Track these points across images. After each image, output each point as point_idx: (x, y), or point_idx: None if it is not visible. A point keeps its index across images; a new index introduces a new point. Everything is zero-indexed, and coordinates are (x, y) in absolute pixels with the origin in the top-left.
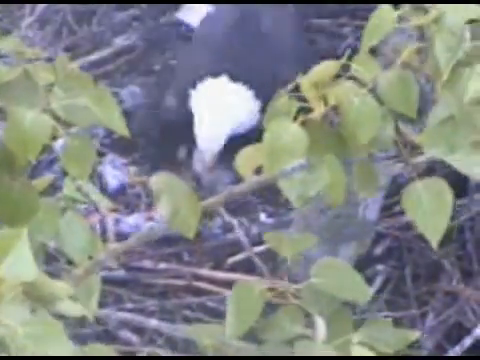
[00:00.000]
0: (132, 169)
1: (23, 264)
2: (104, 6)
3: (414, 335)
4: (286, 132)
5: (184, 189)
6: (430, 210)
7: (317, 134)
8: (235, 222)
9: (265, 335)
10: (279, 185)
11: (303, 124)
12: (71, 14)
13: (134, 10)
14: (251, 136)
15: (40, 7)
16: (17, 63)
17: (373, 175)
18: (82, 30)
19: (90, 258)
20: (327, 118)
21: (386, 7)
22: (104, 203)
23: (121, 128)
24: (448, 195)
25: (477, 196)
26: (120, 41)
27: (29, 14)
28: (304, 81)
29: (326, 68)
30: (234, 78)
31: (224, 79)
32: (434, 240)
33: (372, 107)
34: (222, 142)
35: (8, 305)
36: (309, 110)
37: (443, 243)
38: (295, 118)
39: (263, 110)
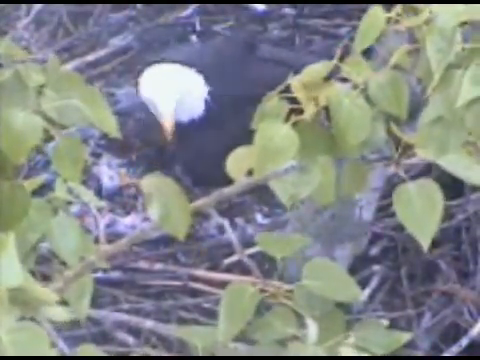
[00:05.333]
0: (123, 171)
1: (9, 270)
2: (100, 7)
3: (406, 336)
4: (277, 133)
5: (175, 190)
6: (421, 212)
7: (308, 135)
8: (226, 223)
9: (257, 336)
10: (270, 186)
11: (294, 125)
12: (67, 15)
13: (130, 11)
14: (203, 126)
15: (36, 8)
16: (8, 64)
17: (363, 176)
18: (78, 31)
19: (82, 259)
20: (318, 119)
21: (377, 8)
22: (96, 203)
23: (112, 129)
24: (439, 197)
25: (473, 196)
26: (116, 42)
27: (25, 15)
28: (295, 82)
29: (317, 69)
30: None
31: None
32: (424, 242)
33: (362, 109)
34: (173, 114)
35: None
36: (300, 111)
37: (439, 243)
38: (286, 119)
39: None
